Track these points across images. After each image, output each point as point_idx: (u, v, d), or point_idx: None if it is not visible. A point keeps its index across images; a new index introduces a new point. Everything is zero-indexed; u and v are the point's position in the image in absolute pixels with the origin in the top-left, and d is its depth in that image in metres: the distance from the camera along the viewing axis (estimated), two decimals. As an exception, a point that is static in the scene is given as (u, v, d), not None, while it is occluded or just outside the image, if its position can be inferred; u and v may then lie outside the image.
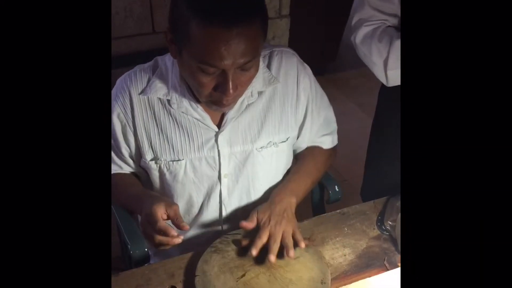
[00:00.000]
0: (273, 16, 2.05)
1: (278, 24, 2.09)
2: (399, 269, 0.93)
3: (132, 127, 1.07)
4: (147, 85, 1.05)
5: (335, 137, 1.25)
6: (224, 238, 1.08)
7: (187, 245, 1.16)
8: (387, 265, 1.02)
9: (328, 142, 1.22)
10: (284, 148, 1.14)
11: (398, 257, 1.04)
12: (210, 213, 1.14)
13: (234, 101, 1.00)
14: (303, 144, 1.20)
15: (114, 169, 1.15)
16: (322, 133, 1.21)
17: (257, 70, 0.96)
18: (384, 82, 1.21)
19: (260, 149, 1.10)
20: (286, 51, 1.11)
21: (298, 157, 1.21)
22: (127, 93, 1.05)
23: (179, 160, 1.08)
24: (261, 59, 1.07)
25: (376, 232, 1.12)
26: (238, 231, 1.11)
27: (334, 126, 1.24)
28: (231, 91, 0.90)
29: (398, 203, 1.12)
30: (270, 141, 1.11)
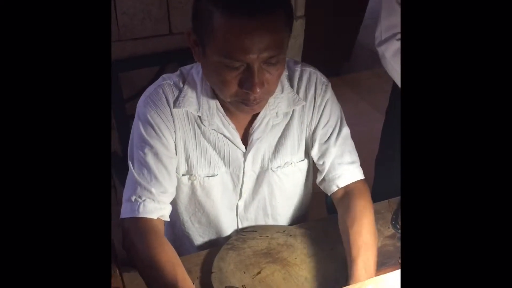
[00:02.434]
0: (288, 17, 2.05)
1: (293, 25, 2.08)
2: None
3: (173, 135, 1.01)
4: (179, 96, 1.00)
5: (361, 169, 1.12)
6: (240, 235, 1.10)
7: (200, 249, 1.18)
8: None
9: (360, 172, 1.10)
10: (301, 166, 1.12)
11: (412, 256, 1.05)
12: (227, 227, 1.14)
13: (263, 101, 0.94)
14: (335, 172, 1.08)
15: (152, 210, 0.97)
16: (349, 160, 1.08)
17: (283, 69, 0.93)
18: None
19: (276, 169, 1.08)
20: (306, 69, 1.07)
21: (349, 212, 1.04)
22: (165, 101, 0.99)
23: (213, 175, 1.06)
24: (286, 82, 1.04)
25: (390, 231, 1.13)
26: (253, 228, 1.13)
27: (356, 156, 1.11)
28: (257, 87, 0.87)
29: (413, 203, 1.12)
30: (287, 162, 1.09)
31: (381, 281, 0.89)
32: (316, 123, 1.07)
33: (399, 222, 1.12)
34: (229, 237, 1.15)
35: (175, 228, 1.18)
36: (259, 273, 0.99)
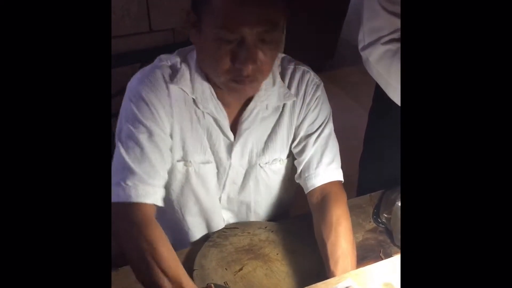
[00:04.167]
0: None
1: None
2: (392, 259, 0.95)
3: (170, 119, 0.98)
4: (177, 75, 0.98)
5: (341, 172, 1.11)
6: (222, 232, 1.10)
7: (187, 245, 1.17)
8: (382, 256, 1.03)
9: (339, 174, 1.09)
10: (288, 164, 1.12)
11: (393, 249, 1.06)
12: (218, 218, 1.14)
13: (255, 81, 0.93)
14: (312, 170, 1.07)
15: (143, 194, 0.93)
16: (327, 160, 1.07)
17: (277, 51, 0.93)
18: (399, 104, 1.16)
19: (264, 165, 1.08)
20: (299, 67, 1.08)
21: (325, 211, 1.02)
22: (164, 85, 0.97)
23: (208, 162, 1.04)
24: (277, 77, 1.04)
25: (372, 225, 1.14)
26: (236, 225, 1.13)
27: (339, 159, 1.11)
28: (250, 62, 0.87)
29: (394, 196, 1.13)
30: (276, 158, 1.09)
31: (360, 273, 0.89)
32: (302, 119, 1.07)
33: (380, 216, 1.13)
34: (218, 227, 1.14)
35: (163, 220, 1.17)
36: (241, 269, 0.99)
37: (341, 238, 0.97)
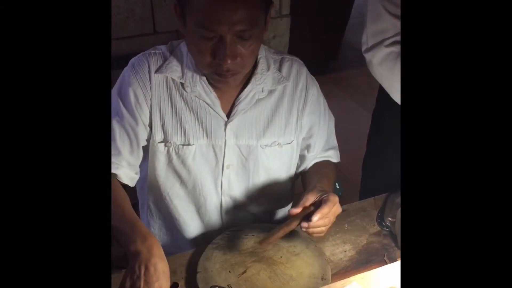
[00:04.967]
0: (274, 16, 2.05)
1: (279, 24, 2.09)
2: (397, 262, 0.94)
3: (149, 102, 1.05)
4: (163, 64, 1.05)
5: (338, 153, 1.25)
6: (225, 234, 1.09)
7: (189, 237, 1.19)
8: (387, 260, 1.03)
9: (335, 156, 1.23)
10: (288, 150, 1.15)
11: (398, 253, 1.05)
12: (211, 203, 1.15)
13: (237, 74, 0.98)
14: (313, 158, 1.20)
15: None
16: (328, 147, 1.21)
17: (257, 46, 0.97)
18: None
19: (264, 147, 1.11)
20: (296, 59, 1.14)
21: (313, 169, 1.19)
22: (147, 68, 1.05)
23: (189, 144, 1.08)
24: (272, 63, 1.09)
25: (376, 228, 1.13)
26: (239, 227, 1.12)
27: (335, 141, 1.25)
28: (228, 58, 0.91)
29: (398, 199, 1.13)
30: (275, 141, 1.12)
31: (365, 277, 0.89)
32: (310, 110, 1.14)
33: (385, 219, 1.13)
34: (213, 222, 1.17)
35: (157, 218, 1.20)
36: (244, 272, 0.99)
37: (326, 168, 1.15)
